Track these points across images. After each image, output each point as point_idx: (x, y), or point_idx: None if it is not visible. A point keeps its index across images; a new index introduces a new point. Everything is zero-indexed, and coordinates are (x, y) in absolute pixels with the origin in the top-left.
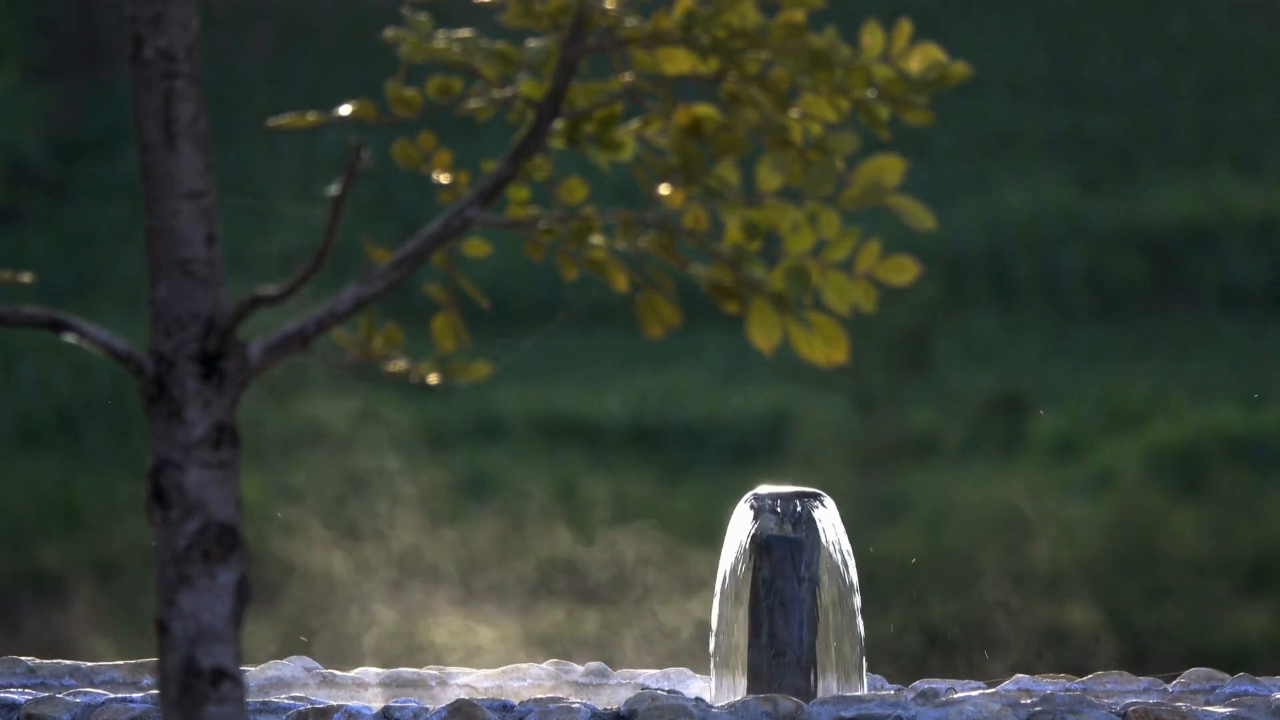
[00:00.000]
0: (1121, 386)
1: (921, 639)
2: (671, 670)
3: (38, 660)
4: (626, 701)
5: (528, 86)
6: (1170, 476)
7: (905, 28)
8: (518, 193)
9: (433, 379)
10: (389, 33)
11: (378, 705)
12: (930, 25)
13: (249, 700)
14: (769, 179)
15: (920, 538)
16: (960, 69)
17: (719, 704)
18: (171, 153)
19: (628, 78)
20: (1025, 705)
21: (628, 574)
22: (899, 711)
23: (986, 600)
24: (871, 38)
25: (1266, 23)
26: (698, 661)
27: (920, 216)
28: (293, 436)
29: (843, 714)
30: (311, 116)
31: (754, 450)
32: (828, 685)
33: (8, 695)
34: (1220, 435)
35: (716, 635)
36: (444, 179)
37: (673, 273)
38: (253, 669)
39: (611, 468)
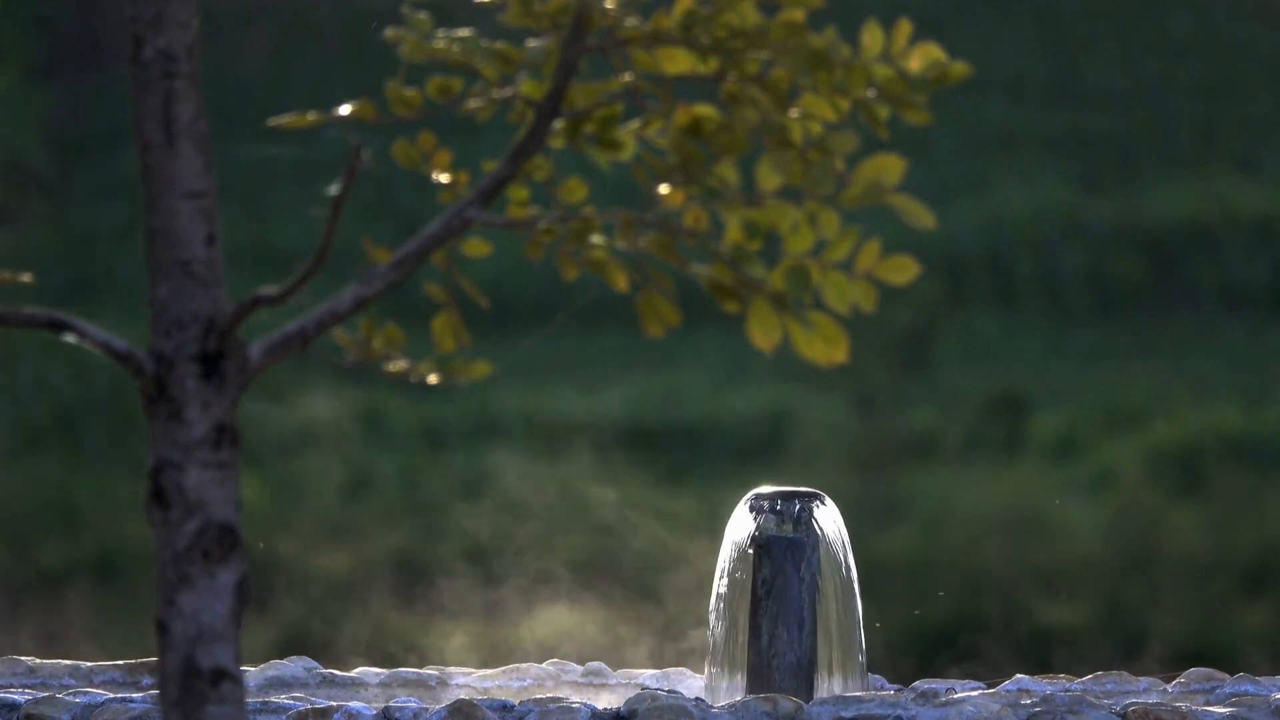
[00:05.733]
0: (1121, 386)
1: (922, 639)
2: (671, 670)
3: (38, 660)
4: (626, 701)
5: (528, 86)
6: (1170, 476)
7: (905, 27)
8: (518, 193)
9: (433, 379)
10: (389, 33)
11: (378, 705)
12: (930, 25)
13: (249, 700)
14: (769, 179)
15: (920, 538)
16: (960, 69)
17: (719, 704)
18: (171, 153)
19: (628, 78)
20: (1025, 705)
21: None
22: (899, 711)
23: (986, 600)
24: (871, 37)
25: (1266, 23)
26: (698, 661)
27: (920, 215)
28: (291, 436)
29: (843, 714)
30: (311, 116)
31: (754, 450)
32: (828, 685)
33: (8, 695)
34: (1220, 435)
35: (716, 635)
36: (444, 179)
37: (673, 273)
38: (253, 669)
39: (611, 468)
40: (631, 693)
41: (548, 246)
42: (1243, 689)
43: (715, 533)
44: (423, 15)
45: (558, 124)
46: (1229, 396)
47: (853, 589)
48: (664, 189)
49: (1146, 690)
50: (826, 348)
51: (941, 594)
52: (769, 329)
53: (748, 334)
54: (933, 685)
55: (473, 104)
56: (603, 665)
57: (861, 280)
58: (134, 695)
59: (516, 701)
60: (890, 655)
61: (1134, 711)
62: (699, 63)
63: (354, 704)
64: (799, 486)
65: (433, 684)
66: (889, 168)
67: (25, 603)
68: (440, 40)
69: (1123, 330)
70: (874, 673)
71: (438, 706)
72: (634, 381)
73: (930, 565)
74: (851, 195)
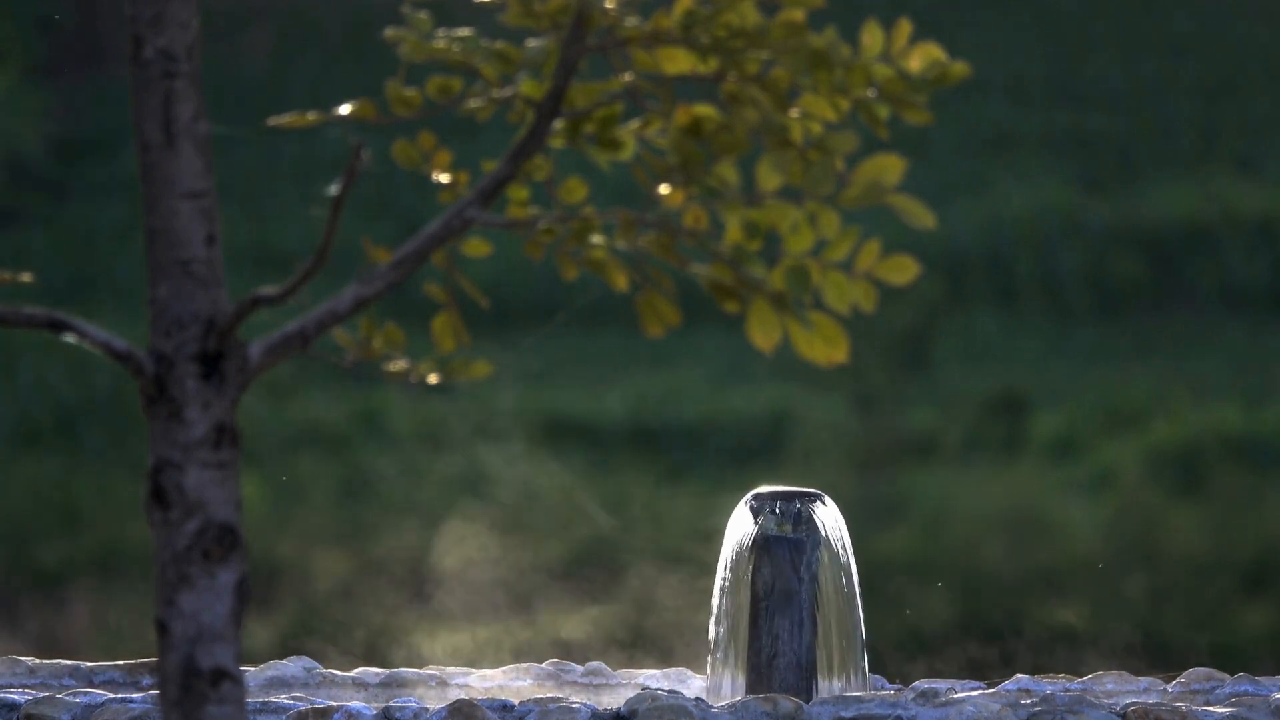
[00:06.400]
0: (1121, 386)
1: (922, 639)
2: (671, 670)
3: (38, 660)
4: (626, 701)
5: (528, 86)
6: (1170, 476)
7: (905, 27)
8: (518, 193)
9: (433, 379)
10: (389, 32)
11: (378, 705)
12: (930, 25)
13: (249, 700)
14: (769, 179)
15: (920, 538)
16: (960, 68)
17: (719, 704)
18: (171, 153)
19: (628, 78)
20: (1025, 705)
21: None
22: (899, 711)
23: (986, 600)
24: (871, 37)
25: (1266, 23)
26: (698, 661)
27: (920, 215)
28: (291, 436)
29: (843, 714)
30: (311, 116)
31: (754, 450)
32: (828, 685)
33: (8, 695)
34: (1220, 435)
35: (716, 635)
36: (444, 179)
37: (673, 273)
38: (253, 669)
39: (611, 468)
40: (631, 693)
41: (548, 246)
42: (1243, 689)
43: (715, 533)
44: (423, 15)
45: (558, 124)
46: (1229, 396)
47: (853, 589)
48: (664, 189)
49: (1146, 690)
50: (826, 348)
51: (939, 591)
52: (769, 329)
53: (748, 334)
54: (933, 685)
55: (473, 104)
56: (603, 665)
57: (861, 280)
58: (134, 695)
59: (516, 701)
60: (890, 655)
61: (1134, 711)
62: (699, 63)
63: (354, 704)
64: (799, 486)
65: (433, 684)
66: (889, 168)
67: (25, 603)
68: (440, 40)
69: (1123, 330)
70: (874, 672)
71: (438, 706)
72: (634, 381)
73: (930, 565)
74: (851, 195)
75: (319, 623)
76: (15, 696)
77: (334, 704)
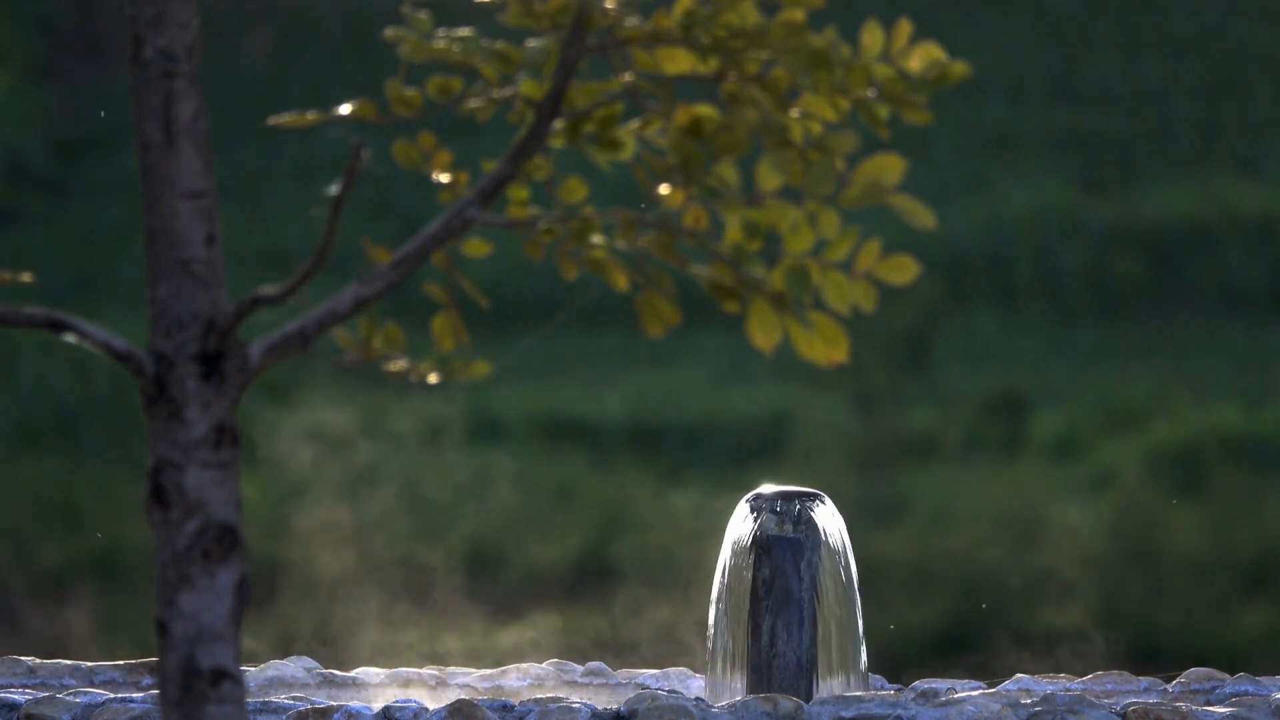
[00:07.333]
0: (1121, 386)
1: (921, 639)
2: (671, 670)
3: (38, 660)
4: (626, 701)
5: (528, 86)
6: (1170, 476)
7: (905, 27)
8: (518, 193)
9: (433, 379)
10: (389, 32)
11: (378, 705)
12: (930, 25)
13: (249, 700)
14: (769, 179)
15: (920, 538)
16: (960, 68)
17: (719, 704)
18: (171, 153)
19: (628, 78)
20: (1025, 705)
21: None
22: (899, 711)
23: (986, 600)
24: (871, 37)
25: (1266, 23)
26: (698, 661)
27: (921, 215)
28: (292, 435)
29: (843, 714)
30: (311, 116)
31: (754, 450)
32: (828, 685)
33: (8, 695)
34: (1220, 435)
35: (716, 635)
36: (444, 179)
37: (673, 273)
38: (253, 669)
39: (611, 468)
40: (631, 693)
41: (548, 246)
42: (1243, 689)
43: (715, 532)
44: (423, 15)
45: (558, 124)
46: (1229, 396)
47: (853, 589)
48: (664, 189)
49: (1146, 690)
50: (826, 348)
51: (941, 594)
52: (769, 329)
53: (748, 334)
54: (933, 685)
55: (473, 104)
56: (603, 665)
57: (861, 280)
58: (134, 695)
59: (516, 701)
60: (890, 655)
61: (1134, 711)
62: (699, 63)
63: (354, 704)
64: (799, 486)
65: (433, 684)
66: (889, 168)
67: (25, 603)
68: (440, 40)
69: (1123, 330)
70: (874, 672)
71: (438, 706)
72: (634, 381)
73: (930, 565)
74: (851, 195)
75: (316, 623)
76: (15, 696)
77: (334, 704)
